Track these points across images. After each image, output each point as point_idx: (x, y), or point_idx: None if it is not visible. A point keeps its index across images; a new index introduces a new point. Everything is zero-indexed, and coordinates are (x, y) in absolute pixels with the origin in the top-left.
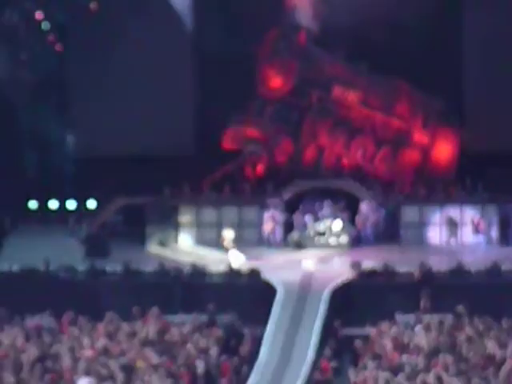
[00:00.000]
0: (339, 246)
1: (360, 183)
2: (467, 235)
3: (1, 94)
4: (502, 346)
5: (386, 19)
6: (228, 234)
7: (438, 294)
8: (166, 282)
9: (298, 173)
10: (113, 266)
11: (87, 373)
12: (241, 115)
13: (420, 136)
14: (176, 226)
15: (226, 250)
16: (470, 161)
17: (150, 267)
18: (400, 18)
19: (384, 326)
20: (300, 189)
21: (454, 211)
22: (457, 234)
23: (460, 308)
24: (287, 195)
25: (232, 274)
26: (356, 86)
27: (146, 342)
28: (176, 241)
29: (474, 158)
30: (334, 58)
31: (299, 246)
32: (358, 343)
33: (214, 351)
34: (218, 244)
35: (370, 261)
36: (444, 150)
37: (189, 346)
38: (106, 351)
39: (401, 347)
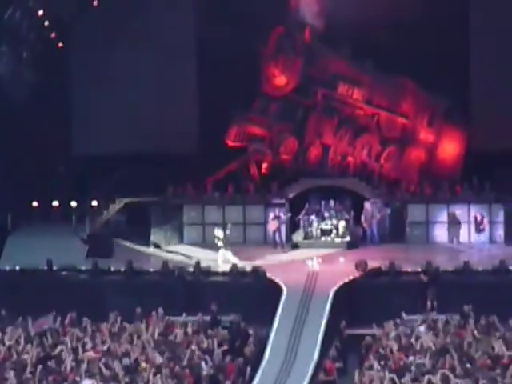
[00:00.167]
0: (344, 245)
1: (365, 182)
2: (470, 234)
3: (2, 91)
4: (510, 346)
5: (392, 17)
6: (218, 233)
7: (444, 294)
8: (169, 282)
9: (302, 171)
10: (116, 265)
11: (90, 374)
12: (245, 113)
13: (426, 134)
14: (180, 226)
15: (219, 249)
16: (476, 160)
17: (153, 267)
18: (405, 15)
19: (390, 326)
20: (305, 188)
21: (459, 210)
22: (459, 232)
23: (467, 308)
24: (292, 194)
25: (237, 273)
26: (361, 84)
27: (149, 343)
28: (179, 240)
29: (479, 157)
30: (339, 55)
31: (303, 245)
32: (363, 344)
33: (218, 352)
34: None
35: (376, 260)
36: (449, 149)
37: (193, 346)
38: (109, 352)
39: (407, 348)
